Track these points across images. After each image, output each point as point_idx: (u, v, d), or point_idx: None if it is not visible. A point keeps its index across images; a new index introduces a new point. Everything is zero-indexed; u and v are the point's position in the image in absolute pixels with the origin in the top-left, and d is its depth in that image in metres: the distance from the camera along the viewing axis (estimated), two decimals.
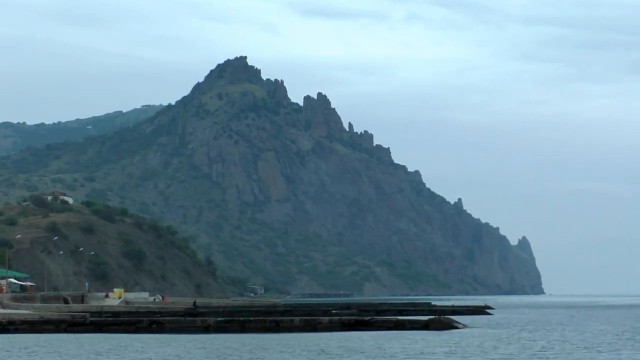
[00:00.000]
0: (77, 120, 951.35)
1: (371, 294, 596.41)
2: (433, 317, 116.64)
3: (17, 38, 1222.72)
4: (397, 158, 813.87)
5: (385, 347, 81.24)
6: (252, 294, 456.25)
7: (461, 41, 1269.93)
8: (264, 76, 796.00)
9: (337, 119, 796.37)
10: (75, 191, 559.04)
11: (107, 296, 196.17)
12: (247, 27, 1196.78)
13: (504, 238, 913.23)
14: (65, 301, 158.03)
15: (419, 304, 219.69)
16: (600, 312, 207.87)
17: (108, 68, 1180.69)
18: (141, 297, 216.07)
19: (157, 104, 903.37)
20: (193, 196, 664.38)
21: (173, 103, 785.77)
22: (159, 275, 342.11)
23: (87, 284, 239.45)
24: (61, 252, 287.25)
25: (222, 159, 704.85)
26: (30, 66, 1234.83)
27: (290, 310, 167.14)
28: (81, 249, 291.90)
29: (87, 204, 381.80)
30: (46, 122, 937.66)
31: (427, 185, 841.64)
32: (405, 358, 70.93)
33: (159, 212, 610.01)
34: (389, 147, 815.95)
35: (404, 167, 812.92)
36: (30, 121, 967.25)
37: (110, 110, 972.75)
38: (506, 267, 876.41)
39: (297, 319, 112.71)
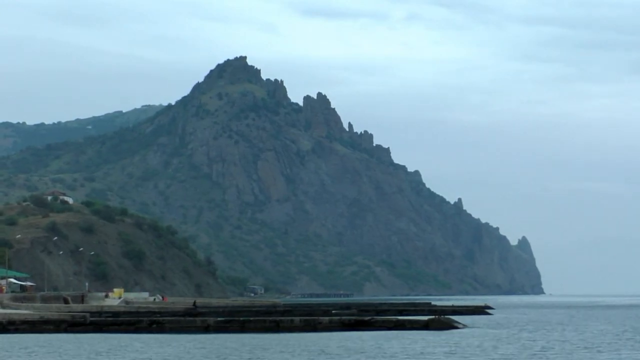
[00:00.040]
0: (77, 120, 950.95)
1: (371, 294, 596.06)
2: (433, 317, 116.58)
3: (17, 38, 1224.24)
4: (397, 158, 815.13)
5: (385, 347, 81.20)
6: (252, 294, 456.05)
7: (461, 41, 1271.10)
8: (264, 76, 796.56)
9: (337, 119, 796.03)
10: (75, 191, 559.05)
11: (107, 296, 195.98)
12: (247, 27, 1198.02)
13: (504, 238, 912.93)
14: (65, 301, 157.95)
15: (419, 304, 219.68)
16: (600, 312, 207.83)
17: (108, 68, 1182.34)
18: (141, 297, 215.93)
19: (157, 104, 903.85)
20: (193, 196, 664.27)
21: (173, 103, 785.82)
22: (159, 275, 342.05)
23: (87, 284, 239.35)
24: (61, 252, 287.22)
25: (222, 159, 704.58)
26: (30, 66, 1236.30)
27: (290, 310, 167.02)
28: (81, 249, 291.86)
29: (87, 204, 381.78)
30: (46, 122, 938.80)
31: (427, 185, 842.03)
32: (405, 358, 70.90)
33: (159, 212, 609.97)
34: (389, 147, 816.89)
35: (403, 167, 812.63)
36: (30, 121, 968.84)
37: (110, 110, 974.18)
38: (506, 267, 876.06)
39: (297, 319, 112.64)
